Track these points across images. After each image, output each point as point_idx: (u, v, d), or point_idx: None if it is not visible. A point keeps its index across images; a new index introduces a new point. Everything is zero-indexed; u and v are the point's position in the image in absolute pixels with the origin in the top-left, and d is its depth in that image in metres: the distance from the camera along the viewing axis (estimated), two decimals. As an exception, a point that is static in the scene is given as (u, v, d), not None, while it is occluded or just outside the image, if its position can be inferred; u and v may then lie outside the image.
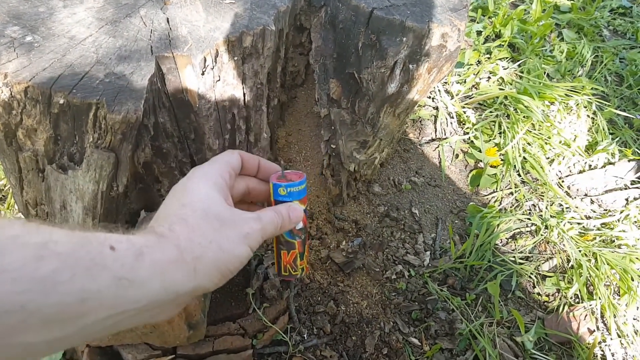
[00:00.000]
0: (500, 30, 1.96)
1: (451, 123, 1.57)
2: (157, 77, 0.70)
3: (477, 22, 1.98)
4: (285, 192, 0.69)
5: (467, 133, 1.55)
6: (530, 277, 1.27)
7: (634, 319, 1.24)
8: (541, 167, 1.49)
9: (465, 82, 1.70)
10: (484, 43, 1.89)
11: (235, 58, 0.76)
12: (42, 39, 0.66)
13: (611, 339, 1.20)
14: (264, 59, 0.81)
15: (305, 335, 1.09)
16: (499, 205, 1.41)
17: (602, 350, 1.19)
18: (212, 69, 0.74)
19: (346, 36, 0.89)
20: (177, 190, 0.58)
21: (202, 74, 0.73)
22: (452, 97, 1.64)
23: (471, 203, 1.39)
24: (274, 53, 0.85)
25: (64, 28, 0.69)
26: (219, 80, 0.76)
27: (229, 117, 0.82)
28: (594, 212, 1.46)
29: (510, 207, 1.42)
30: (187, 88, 0.73)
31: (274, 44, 0.81)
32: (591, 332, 1.20)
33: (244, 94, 0.82)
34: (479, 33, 1.93)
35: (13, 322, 0.34)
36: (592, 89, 1.79)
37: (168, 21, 0.74)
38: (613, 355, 1.19)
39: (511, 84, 1.72)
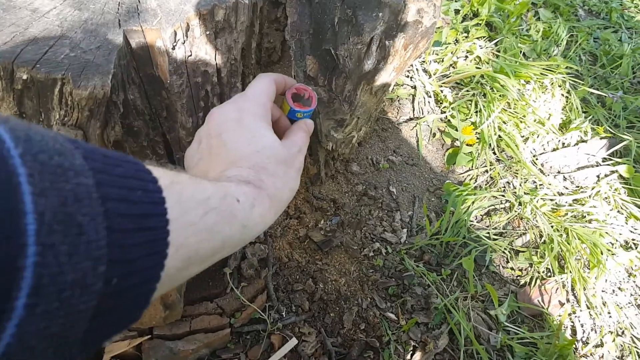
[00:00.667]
0: (477, 9, 1.96)
1: (429, 102, 1.57)
2: (125, 51, 0.68)
3: (455, 1, 1.97)
4: (302, 115, 0.76)
5: (444, 112, 1.56)
6: (503, 252, 1.29)
7: (602, 291, 1.27)
8: (516, 145, 1.51)
9: (442, 61, 1.70)
10: (462, 22, 1.89)
11: (208, 32, 0.74)
12: (2, 12, 0.64)
13: (581, 310, 1.23)
14: (237, 34, 0.80)
15: (283, 313, 1.09)
16: (474, 183, 1.42)
17: (572, 322, 1.22)
18: (183, 43, 0.73)
19: (322, 11, 0.88)
20: (243, 130, 0.62)
21: (173, 48, 0.71)
22: (430, 76, 1.64)
23: (447, 181, 1.40)
24: (248, 28, 0.83)
25: (26, 0, 0.67)
26: (191, 55, 0.75)
27: (202, 94, 0.81)
28: (567, 188, 1.49)
29: (485, 184, 1.44)
30: (158, 63, 0.72)
31: (247, 19, 0.79)
32: (562, 304, 1.23)
33: (218, 70, 0.81)
34: (456, 12, 1.93)
35: (186, 264, 0.40)
36: (566, 68, 1.81)
37: (137, -6, 0.72)
38: (582, 326, 1.22)
39: (488, 63, 1.72)
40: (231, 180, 0.53)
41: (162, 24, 0.69)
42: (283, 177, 0.60)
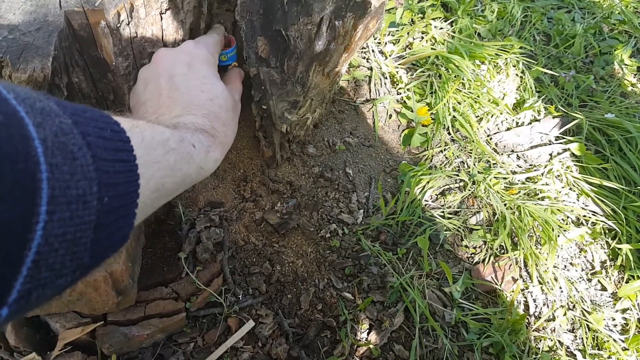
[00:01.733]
0: (433, -10, 1.97)
1: (385, 83, 1.58)
2: (67, 33, 0.66)
3: (411, -18, 1.97)
4: (226, 57, 0.85)
5: (400, 93, 1.57)
6: (458, 230, 1.32)
7: (554, 267, 1.31)
8: (470, 125, 1.54)
9: (398, 42, 1.71)
10: (418, 2, 1.90)
11: (153, 13, 0.73)
12: None
13: (533, 286, 1.27)
14: (184, 14, 0.78)
15: (240, 296, 1.09)
16: (429, 163, 1.44)
17: (525, 297, 1.26)
18: (128, 24, 0.71)
19: (271, -8, 0.87)
20: (196, 75, 0.68)
21: (117, 29, 0.70)
22: (386, 58, 1.64)
23: (403, 162, 1.42)
24: (196, 8, 0.82)
25: (-40, -21, 0.64)
26: (136, 36, 0.73)
27: (149, 76, 0.79)
28: (520, 167, 1.52)
29: (440, 164, 1.46)
30: (102, 45, 0.70)
31: (194, -1, 0.78)
32: (515, 280, 1.27)
33: (165, 52, 0.79)
34: (412, -8, 1.94)
35: (155, 196, 0.46)
36: (520, 48, 1.84)
37: (78, -27, 0.70)
38: (535, 301, 1.26)
39: (443, 44, 1.74)
40: (187, 127, 0.58)
41: (105, 5, 0.67)
42: (231, 123, 0.68)
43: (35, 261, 0.28)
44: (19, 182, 0.26)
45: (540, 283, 1.28)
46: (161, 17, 0.75)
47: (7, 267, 0.27)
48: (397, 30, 1.73)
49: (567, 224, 1.41)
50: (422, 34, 1.78)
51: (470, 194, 1.39)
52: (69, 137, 0.32)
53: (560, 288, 1.29)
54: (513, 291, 1.25)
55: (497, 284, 1.25)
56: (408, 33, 1.73)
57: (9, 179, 0.26)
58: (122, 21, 0.70)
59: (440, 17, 1.87)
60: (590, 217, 1.42)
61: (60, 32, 0.64)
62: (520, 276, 1.29)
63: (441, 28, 1.81)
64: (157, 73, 0.67)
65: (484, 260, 1.28)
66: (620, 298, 1.29)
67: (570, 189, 1.49)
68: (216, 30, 0.87)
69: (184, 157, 0.52)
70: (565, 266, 1.35)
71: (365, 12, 0.85)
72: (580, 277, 1.34)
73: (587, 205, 1.46)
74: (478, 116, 1.60)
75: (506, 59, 1.75)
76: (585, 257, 1.38)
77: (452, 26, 1.84)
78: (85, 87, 0.76)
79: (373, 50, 1.62)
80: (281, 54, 0.95)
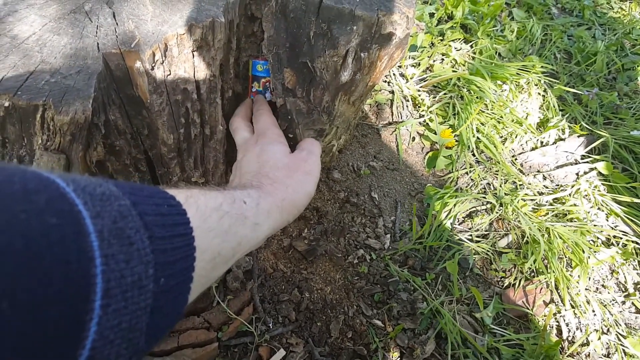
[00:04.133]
0: (452, 12, 1.99)
1: (407, 106, 1.59)
2: (105, 74, 0.68)
3: (430, 4, 1.99)
4: (262, 68, 0.91)
5: (423, 116, 1.58)
6: (487, 254, 1.31)
7: (586, 290, 1.29)
8: (495, 146, 1.53)
9: (419, 65, 1.72)
10: (437, 25, 1.91)
11: (185, 51, 0.75)
12: (-20, 40, 0.64)
13: (565, 309, 1.25)
14: (215, 51, 0.80)
15: (270, 325, 1.10)
16: (455, 186, 1.44)
17: (557, 321, 1.24)
18: (162, 63, 0.73)
19: (297, 25, 0.89)
20: (258, 156, 0.76)
21: (152, 69, 0.72)
22: (407, 81, 1.65)
23: (428, 184, 1.42)
24: (226, 44, 0.84)
25: (5, 27, 0.67)
26: (170, 74, 0.75)
27: (182, 111, 0.81)
28: (547, 187, 1.51)
29: (466, 186, 1.46)
30: (137, 84, 0.72)
31: (224, 36, 0.80)
32: (546, 304, 1.25)
33: (197, 87, 0.81)
34: (431, 15, 1.95)
35: (211, 265, 0.46)
36: (542, 67, 1.84)
37: (114, 16, 0.72)
38: (567, 325, 1.24)
39: (464, 65, 1.75)
40: (236, 189, 0.60)
41: (141, 46, 0.69)
42: (284, 179, 0.69)
43: (90, 357, 0.28)
44: (72, 283, 0.27)
45: (572, 307, 1.26)
46: (193, 54, 0.77)
47: None
48: (417, 54, 1.74)
49: (597, 245, 1.39)
50: (443, 55, 1.79)
51: (498, 217, 1.38)
52: (127, 220, 0.33)
53: (594, 311, 1.27)
54: (545, 315, 1.23)
55: (528, 309, 1.23)
56: (429, 56, 1.74)
57: (60, 282, 0.26)
58: (157, 60, 0.72)
59: (460, 39, 1.88)
60: (620, 238, 1.40)
61: (99, 74, 0.66)
62: (552, 300, 1.27)
63: (461, 49, 1.82)
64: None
65: (514, 284, 1.27)
66: (655, 320, 1.27)
67: (598, 208, 1.47)
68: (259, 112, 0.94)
69: (238, 218, 0.52)
70: (597, 289, 1.33)
71: (390, 43, 0.87)
72: (614, 300, 1.31)
73: (616, 225, 1.44)
74: (502, 137, 1.60)
75: (528, 78, 1.75)
76: (617, 278, 1.36)
77: (472, 47, 1.85)
78: (121, 124, 0.77)
79: (394, 74, 1.64)
80: (307, 85, 0.96)
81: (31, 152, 0.67)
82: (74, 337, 0.27)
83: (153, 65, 0.72)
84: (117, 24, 0.71)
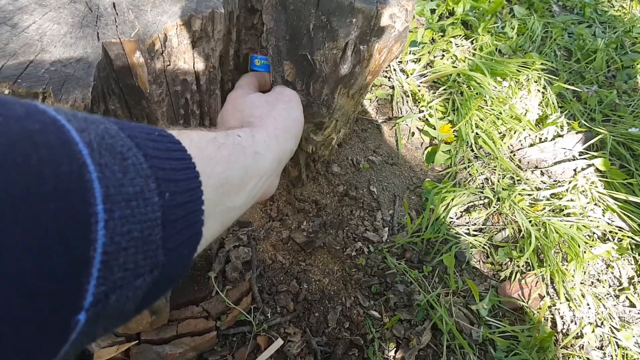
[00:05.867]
0: (453, 8, 1.99)
1: (407, 102, 1.60)
2: (104, 64, 0.69)
3: (431, 0, 2.00)
4: (260, 63, 0.93)
5: (422, 111, 1.58)
6: (483, 247, 1.32)
7: (581, 283, 1.30)
8: (493, 142, 1.54)
9: (419, 60, 1.73)
10: (438, 21, 1.92)
11: (185, 42, 0.76)
12: (-17, 28, 0.65)
13: (560, 302, 1.26)
14: (214, 42, 0.81)
15: (268, 315, 1.11)
16: (453, 180, 1.45)
17: (552, 314, 1.25)
18: (162, 53, 0.74)
19: (297, 18, 0.89)
20: (236, 104, 0.77)
21: (152, 59, 0.73)
22: (408, 76, 1.66)
23: (427, 179, 1.43)
24: (225, 36, 0.85)
25: (5, 16, 0.68)
26: (169, 65, 0.76)
27: (182, 102, 0.82)
28: (544, 183, 1.52)
29: (464, 181, 1.47)
30: (137, 74, 0.73)
31: (224, 27, 0.81)
32: (541, 297, 1.26)
33: (197, 78, 0.82)
34: (432, 11, 1.96)
35: (221, 191, 0.46)
36: (542, 64, 1.84)
37: (114, 6, 0.73)
38: (562, 318, 1.25)
39: (464, 61, 1.75)
40: (227, 129, 0.60)
41: (140, 36, 0.70)
42: (269, 113, 0.71)
43: (105, 261, 0.27)
44: (65, 183, 0.25)
45: (567, 300, 1.27)
46: (193, 45, 0.78)
47: (75, 268, 0.26)
48: (418, 49, 1.75)
49: (593, 240, 1.40)
50: (443, 52, 1.80)
51: (495, 211, 1.39)
52: (116, 139, 0.31)
53: (588, 305, 1.28)
54: (540, 308, 1.24)
55: (524, 301, 1.24)
56: (429, 52, 1.75)
57: (52, 181, 0.25)
58: (157, 51, 0.73)
59: (460, 35, 1.88)
60: (616, 233, 1.41)
61: (99, 63, 0.67)
62: (547, 293, 1.28)
63: (462, 46, 1.83)
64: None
65: (510, 277, 1.28)
66: (650, 315, 1.28)
67: (595, 204, 1.48)
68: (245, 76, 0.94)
69: (235, 147, 0.52)
70: (592, 282, 1.34)
71: (389, 36, 0.87)
72: (608, 294, 1.32)
73: (612, 221, 1.45)
74: (501, 133, 1.61)
75: (527, 75, 1.75)
76: (612, 273, 1.37)
77: (472, 44, 1.85)
78: (120, 114, 0.78)
79: (395, 69, 1.64)
80: (307, 78, 0.97)
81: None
82: (82, 238, 0.26)
83: (152, 55, 0.73)
84: (117, 13, 0.72)
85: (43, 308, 0.25)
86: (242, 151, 0.54)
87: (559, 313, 1.26)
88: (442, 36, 1.85)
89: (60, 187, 0.25)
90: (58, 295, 0.25)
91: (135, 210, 0.29)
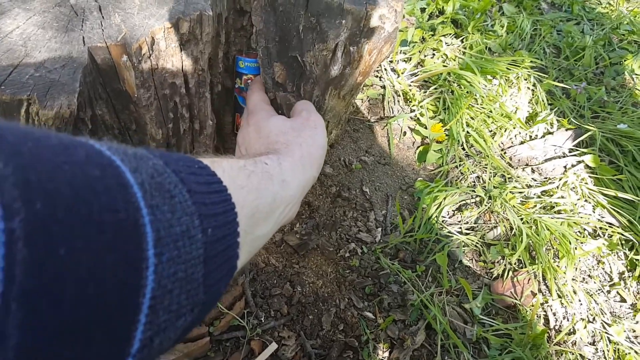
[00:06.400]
0: (443, 7, 1.99)
1: (398, 101, 1.59)
2: (91, 68, 0.68)
3: (420, -1, 2.00)
4: (244, 65, 0.92)
5: (414, 110, 1.58)
6: (476, 246, 1.32)
7: (573, 280, 1.31)
8: (484, 140, 1.54)
9: (410, 60, 1.73)
10: (428, 20, 1.92)
11: (173, 45, 0.75)
12: (-34, 34, 0.64)
13: (552, 299, 1.27)
14: (203, 45, 0.80)
15: (262, 319, 1.10)
16: (445, 179, 1.45)
17: (545, 311, 1.26)
18: (149, 57, 0.73)
19: (287, 19, 0.89)
20: (257, 133, 0.77)
21: (139, 62, 0.72)
22: (399, 76, 1.66)
23: (419, 179, 1.43)
24: (214, 38, 0.84)
25: (-10, 21, 0.66)
26: (157, 68, 0.75)
27: (170, 106, 0.81)
28: (535, 180, 1.52)
29: (456, 180, 1.47)
30: (124, 78, 0.72)
31: (213, 29, 0.80)
32: (534, 294, 1.27)
33: (185, 81, 0.81)
34: (422, 10, 1.96)
35: (253, 221, 0.48)
36: (531, 61, 1.85)
37: (100, 9, 0.72)
38: (554, 315, 1.25)
39: (455, 60, 1.75)
40: (254, 156, 0.61)
41: (127, 39, 0.69)
42: (295, 139, 0.71)
43: (152, 306, 0.28)
44: (122, 231, 0.27)
45: (559, 296, 1.28)
46: (181, 48, 0.77)
47: (125, 317, 0.27)
48: (409, 49, 1.75)
49: (583, 236, 1.40)
50: (434, 50, 1.80)
51: (486, 209, 1.40)
52: (164, 176, 0.33)
53: (580, 301, 1.28)
54: (533, 305, 1.24)
55: (516, 299, 1.24)
56: (420, 51, 1.75)
57: (111, 230, 0.26)
58: (144, 54, 0.72)
59: (450, 34, 1.89)
60: (606, 229, 1.41)
61: (85, 68, 0.66)
62: (540, 290, 1.28)
63: (452, 44, 1.83)
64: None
65: (502, 275, 1.28)
66: (640, 309, 1.29)
67: (585, 201, 1.49)
68: (253, 89, 0.95)
69: (264, 175, 0.53)
70: (583, 279, 1.34)
71: (379, 37, 0.87)
72: (599, 290, 1.33)
73: (603, 217, 1.46)
74: (491, 131, 1.61)
75: (517, 73, 1.76)
76: (603, 269, 1.38)
77: (462, 42, 1.85)
78: (108, 119, 0.77)
79: (386, 69, 1.64)
80: (297, 79, 0.97)
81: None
82: (133, 286, 0.27)
83: (140, 59, 0.72)
84: (103, 17, 0.71)
85: (93, 357, 0.25)
86: (270, 179, 0.55)
87: (552, 310, 1.26)
88: (433, 35, 1.85)
89: (117, 236, 0.26)
90: (108, 343, 0.26)
91: (181, 250, 0.31)
